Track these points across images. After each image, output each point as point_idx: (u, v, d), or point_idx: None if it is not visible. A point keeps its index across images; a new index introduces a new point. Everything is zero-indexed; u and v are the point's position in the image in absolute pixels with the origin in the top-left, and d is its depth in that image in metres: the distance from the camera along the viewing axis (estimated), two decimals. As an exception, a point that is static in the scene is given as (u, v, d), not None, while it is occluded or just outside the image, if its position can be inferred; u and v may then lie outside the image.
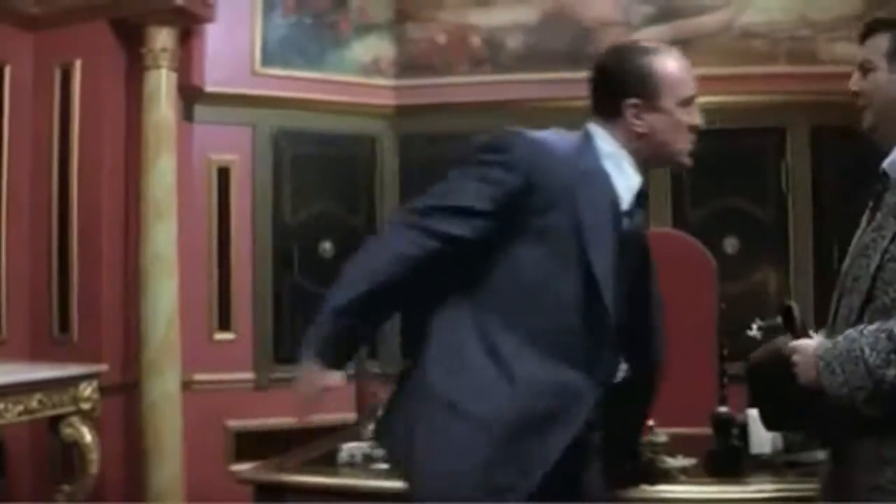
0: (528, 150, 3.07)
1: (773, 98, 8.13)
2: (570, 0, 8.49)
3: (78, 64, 7.23)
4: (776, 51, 8.25)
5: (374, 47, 8.58)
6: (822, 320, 7.37)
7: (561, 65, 8.37)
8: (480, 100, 8.35)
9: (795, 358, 2.96)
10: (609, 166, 3.17)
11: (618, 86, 3.24)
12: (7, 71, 7.14)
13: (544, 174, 3.03)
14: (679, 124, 3.26)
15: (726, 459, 4.62)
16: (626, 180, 3.20)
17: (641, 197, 3.25)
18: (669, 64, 3.27)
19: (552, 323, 3.07)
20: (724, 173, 8.15)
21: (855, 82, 3.16)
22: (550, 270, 3.06)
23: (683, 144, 3.29)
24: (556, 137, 3.16)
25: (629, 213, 3.21)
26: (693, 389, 5.73)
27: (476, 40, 8.60)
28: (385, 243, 3.12)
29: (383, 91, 8.42)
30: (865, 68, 3.09)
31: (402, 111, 8.40)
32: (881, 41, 3.05)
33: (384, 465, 4.73)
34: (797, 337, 3.00)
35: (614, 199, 3.16)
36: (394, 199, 8.41)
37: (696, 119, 3.30)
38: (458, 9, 8.65)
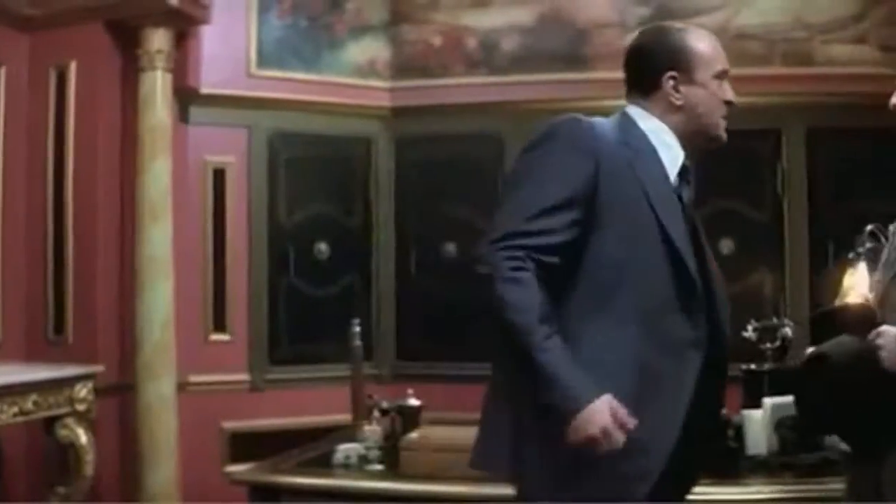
0: (588, 133, 3.09)
1: (769, 99, 8.08)
2: (565, 2, 8.51)
3: (73, 65, 7.23)
4: (772, 52, 8.26)
5: (370, 49, 8.58)
6: (817, 320, 7.41)
7: (556, 66, 8.41)
8: (476, 101, 8.37)
9: (879, 342, 2.96)
10: (655, 141, 3.20)
11: (656, 60, 3.28)
12: (2, 72, 7.13)
13: (607, 156, 3.05)
14: (714, 97, 3.29)
15: (722, 460, 4.63)
16: (670, 152, 3.22)
17: (685, 172, 3.26)
18: (703, 39, 3.33)
19: (644, 300, 3.01)
20: (719, 175, 8.02)
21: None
22: (631, 248, 3.03)
23: (718, 118, 3.31)
24: (601, 121, 3.19)
25: (678, 188, 3.22)
26: None
27: (471, 42, 8.61)
28: (502, 294, 2.90)
29: (379, 92, 8.42)
30: None
31: (398, 113, 8.39)
32: None
33: (379, 466, 4.74)
34: (871, 327, 2.99)
35: (665, 174, 3.18)
36: (389, 201, 8.42)
37: (730, 94, 3.33)
38: (454, 10, 8.66)
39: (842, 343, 3.11)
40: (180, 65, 7.44)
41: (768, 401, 4.73)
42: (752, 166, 8.27)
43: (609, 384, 2.86)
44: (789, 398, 4.87)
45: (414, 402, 5.73)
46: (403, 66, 8.59)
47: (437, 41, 8.65)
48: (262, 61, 8.02)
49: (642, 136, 3.19)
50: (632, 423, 2.83)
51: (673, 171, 3.20)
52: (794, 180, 8.18)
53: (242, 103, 7.83)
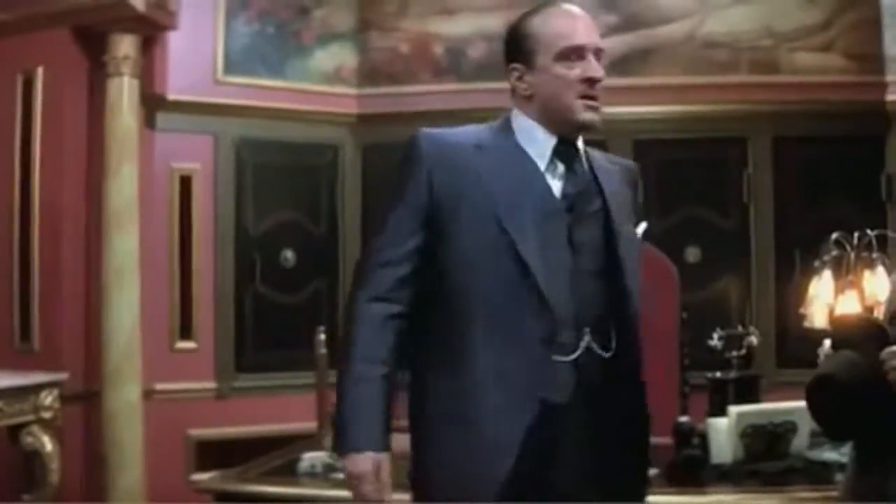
0: (424, 151, 3.10)
1: (736, 107, 8.20)
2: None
3: (40, 71, 7.23)
4: (738, 60, 8.30)
5: (337, 56, 8.57)
6: (786, 330, 7.43)
7: None
8: (443, 108, 8.30)
9: (895, 363, 2.91)
10: (522, 140, 3.12)
11: (505, 55, 3.30)
12: None
13: (446, 168, 3.05)
14: (559, 79, 3.09)
15: (687, 469, 4.64)
16: (537, 147, 3.11)
17: (567, 151, 3.12)
18: (548, 21, 3.16)
19: (492, 307, 2.99)
20: (686, 182, 8.24)
21: None
22: (479, 258, 3.01)
23: (572, 100, 3.08)
24: (461, 130, 3.23)
25: (565, 185, 3.11)
26: (654, 399, 5.75)
27: (439, 49, 8.62)
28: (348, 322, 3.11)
29: (346, 100, 8.40)
30: None
31: (365, 120, 8.38)
32: None
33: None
34: (881, 345, 2.97)
35: (531, 173, 3.09)
36: (356, 208, 8.40)
37: (584, 71, 3.08)
38: (421, 18, 8.65)
39: (847, 360, 3.05)
40: (147, 71, 7.44)
41: (734, 409, 4.74)
42: (718, 174, 8.32)
43: (451, 393, 3.01)
44: (754, 406, 4.90)
45: None
46: (370, 74, 8.60)
47: (404, 48, 8.65)
48: (229, 68, 7.99)
49: (506, 136, 3.17)
50: (385, 498, 2.98)
51: (542, 159, 3.11)
52: (760, 188, 8.22)
53: (209, 110, 7.80)
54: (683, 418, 4.96)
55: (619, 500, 3.07)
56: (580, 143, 3.17)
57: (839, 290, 5.25)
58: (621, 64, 8.31)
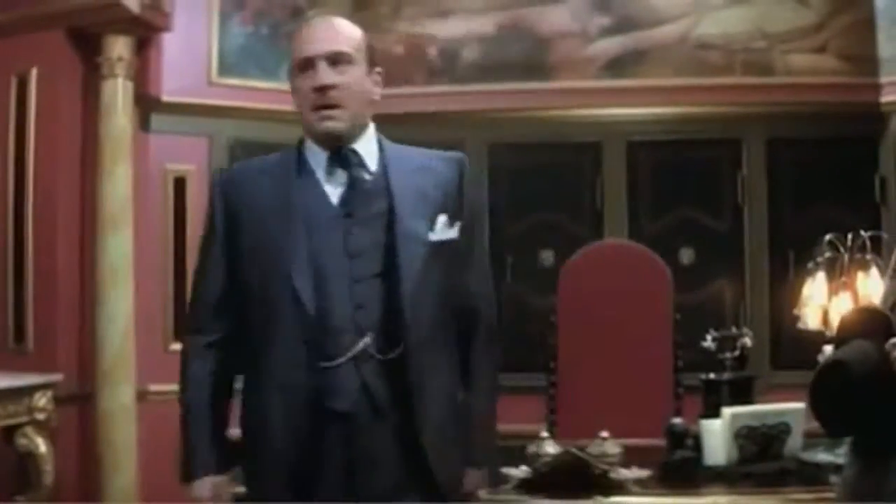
0: (220, 182, 3.36)
1: (729, 109, 8.23)
2: (526, 11, 8.56)
3: (34, 72, 7.22)
4: (732, 62, 8.33)
5: None
6: (780, 332, 7.45)
7: (517, 75, 8.47)
8: (437, 110, 8.40)
9: None
10: (308, 154, 3.24)
11: None
12: None
13: (234, 196, 3.26)
14: (299, 92, 3.20)
15: (680, 470, 4.66)
16: (315, 157, 3.22)
17: (344, 157, 3.18)
18: (294, 37, 3.33)
19: (269, 321, 3.12)
20: (679, 184, 8.26)
21: None
22: (258, 274, 3.17)
23: (309, 112, 3.19)
24: (261, 159, 3.45)
25: (347, 182, 3.18)
26: (647, 400, 5.82)
27: (433, 51, 8.66)
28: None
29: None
30: None
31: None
32: None
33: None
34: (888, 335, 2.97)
35: (307, 180, 3.21)
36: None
37: (312, 81, 3.15)
38: (415, 20, 8.69)
39: (859, 349, 3.06)
40: (141, 72, 7.43)
41: (727, 410, 4.74)
42: (712, 175, 8.35)
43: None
44: (748, 407, 4.92)
45: None
46: None
47: (398, 50, 8.67)
48: (224, 69, 8.00)
49: (293, 154, 3.28)
50: None
51: (321, 173, 3.21)
52: (754, 189, 8.26)
53: (204, 111, 7.80)
54: (677, 419, 4.99)
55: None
56: (365, 146, 3.23)
57: (833, 292, 5.26)
58: (615, 66, 8.40)
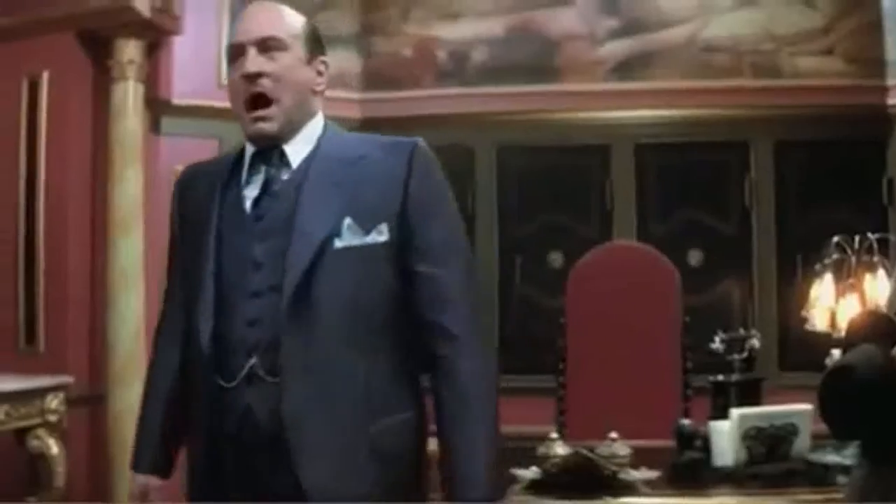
0: (178, 184, 3.17)
1: (737, 112, 8.26)
2: (535, 13, 8.62)
3: (45, 75, 7.25)
4: (740, 65, 8.37)
5: (341, 60, 8.56)
6: (787, 333, 7.46)
7: (526, 78, 8.52)
8: (446, 112, 8.46)
9: None
10: (245, 157, 2.97)
11: None
12: None
13: (184, 199, 3.12)
14: (233, 84, 2.90)
15: (689, 471, 4.67)
16: (245, 157, 2.96)
17: (267, 156, 2.91)
18: (234, 27, 2.99)
19: (188, 334, 2.97)
20: (687, 186, 8.31)
21: None
22: (183, 282, 3.06)
23: (240, 106, 2.88)
24: (219, 158, 3.33)
25: (263, 184, 2.90)
26: (656, 402, 5.84)
27: (442, 53, 8.71)
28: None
29: (349, 104, 8.43)
30: None
31: (368, 124, 8.32)
32: None
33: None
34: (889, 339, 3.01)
35: (230, 182, 2.95)
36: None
37: (244, 68, 2.85)
38: (424, 22, 8.75)
39: (866, 353, 3.08)
40: (152, 75, 7.47)
41: (735, 412, 4.76)
42: (720, 177, 8.38)
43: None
44: (756, 409, 4.94)
45: None
46: (374, 78, 8.69)
47: (407, 52, 8.75)
48: (234, 72, 8.05)
49: (229, 155, 3.05)
50: None
51: (244, 175, 2.94)
52: (762, 191, 8.28)
53: (214, 114, 7.78)
54: (685, 421, 4.99)
55: None
56: (300, 142, 2.94)
57: (840, 294, 5.28)
58: (623, 68, 8.45)
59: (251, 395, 2.80)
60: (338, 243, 2.78)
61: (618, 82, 8.47)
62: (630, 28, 8.47)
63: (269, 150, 2.89)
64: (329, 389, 2.76)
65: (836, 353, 4.05)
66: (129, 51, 7.24)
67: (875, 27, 8.16)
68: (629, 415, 5.42)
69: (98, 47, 7.32)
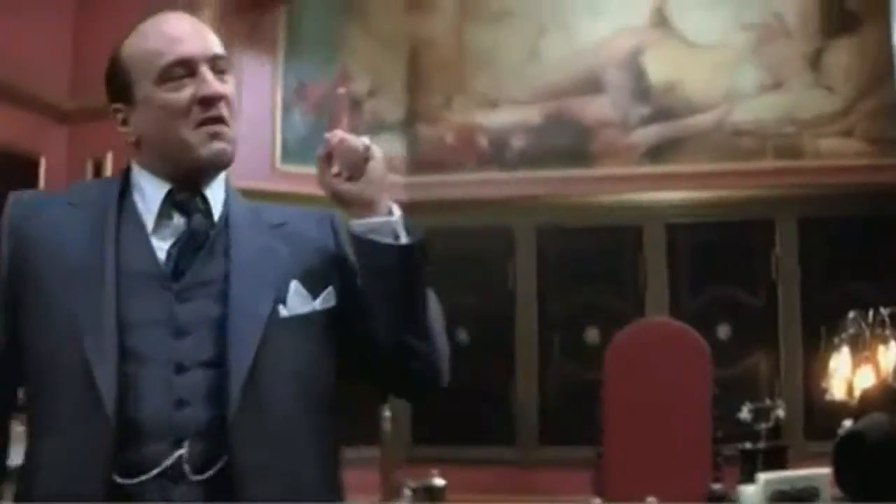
0: (13, 211, 2.33)
1: (763, 192, 8.51)
2: (570, 101, 8.91)
3: (109, 156, 7.49)
4: (764, 147, 8.64)
5: (387, 145, 8.66)
6: (812, 403, 7.57)
7: (563, 162, 8.81)
8: (488, 196, 8.73)
9: None
10: (137, 196, 2.31)
11: (108, 98, 2.38)
12: (42, 162, 7.49)
13: (28, 233, 2.29)
14: (164, 108, 2.26)
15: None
16: (147, 200, 2.29)
17: (186, 202, 2.31)
18: (141, 38, 2.34)
19: (50, 414, 2.24)
20: (716, 263, 8.57)
21: None
22: (43, 346, 2.22)
23: (187, 132, 2.26)
24: (79, 183, 2.54)
25: (181, 234, 2.28)
26: (689, 468, 6.11)
27: (482, 140, 9.01)
28: None
29: (396, 187, 8.59)
30: None
31: (414, 206, 8.09)
32: None
33: None
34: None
35: (131, 228, 2.29)
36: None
37: (196, 90, 2.27)
38: (466, 110, 9.06)
39: (875, 421, 3.41)
40: None
41: (762, 476, 5.05)
42: (747, 255, 8.65)
43: None
44: (780, 473, 5.26)
45: (439, 481, 6.13)
46: (419, 162, 8.99)
47: (450, 139, 9.07)
48: (287, 157, 8.46)
49: (115, 185, 2.35)
50: None
51: (150, 219, 2.28)
52: (787, 267, 8.51)
53: (268, 197, 7.90)
54: (716, 485, 5.28)
55: None
56: (216, 188, 2.36)
57: (856, 365, 5.59)
58: (654, 153, 8.74)
59: (175, 496, 2.16)
60: (283, 312, 2.27)
61: (649, 166, 8.73)
62: (660, 114, 8.75)
63: (189, 192, 2.31)
64: (287, 485, 2.21)
65: (847, 423, 4.32)
66: (188, 135, 7.52)
67: (892, 108, 8.37)
68: (664, 480, 5.74)
69: (158, 132, 7.61)
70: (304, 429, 2.25)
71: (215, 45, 2.32)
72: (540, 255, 8.84)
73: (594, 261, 8.74)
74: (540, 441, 8.67)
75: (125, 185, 2.33)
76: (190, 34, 2.30)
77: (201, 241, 2.29)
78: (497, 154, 9.01)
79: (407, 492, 6.00)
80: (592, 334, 8.56)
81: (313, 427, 2.27)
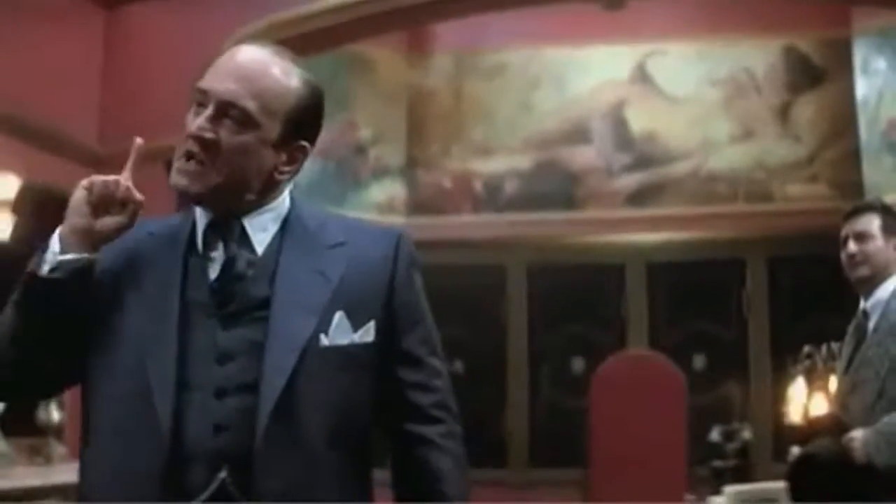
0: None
1: (734, 233, 8.98)
2: (559, 150, 9.34)
3: None
4: (736, 192, 9.10)
5: (389, 189, 9.41)
6: (779, 427, 7.93)
7: (552, 206, 9.25)
8: (482, 236, 9.13)
9: (854, 444, 3.71)
10: (198, 227, 2.24)
11: None
12: None
13: (117, 259, 2.24)
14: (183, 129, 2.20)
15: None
16: (199, 232, 2.23)
17: (223, 228, 2.22)
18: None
19: (106, 433, 2.20)
20: (692, 299, 9.06)
21: (854, 247, 4.02)
22: (105, 369, 2.18)
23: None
24: (163, 219, 2.38)
25: (223, 261, 2.20)
26: (667, 484, 6.51)
27: (478, 184, 9.44)
28: None
29: (397, 228, 8.99)
30: (863, 237, 3.99)
31: (414, 246, 8.69)
32: (874, 218, 3.99)
33: None
34: (843, 432, 3.85)
35: (186, 254, 2.23)
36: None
37: (191, 123, 2.16)
38: (462, 157, 9.48)
39: (824, 445, 3.91)
40: None
41: (729, 489, 5.55)
42: (720, 291, 9.14)
43: None
44: (744, 486, 5.77)
45: None
46: (418, 205, 9.40)
47: (447, 183, 9.49)
48: (295, 201, 8.90)
49: (186, 221, 2.27)
50: None
51: (200, 248, 2.20)
52: (757, 303, 9.02)
53: None
54: (690, 496, 5.81)
55: None
56: (260, 219, 2.26)
57: (811, 393, 6.13)
58: (635, 197, 9.19)
59: None
60: (324, 341, 2.16)
61: (631, 210, 9.16)
62: (641, 162, 9.20)
63: (226, 222, 2.22)
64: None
65: (794, 449, 4.70)
66: (211, 181, 7.86)
67: (853, 156, 8.84)
68: (645, 495, 6.22)
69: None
70: (330, 465, 2.15)
71: (239, 93, 2.15)
72: (530, 292, 9.29)
73: (580, 297, 9.18)
74: (530, 463, 9.10)
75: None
76: (227, 70, 2.19)
77: (241, 269, 2.20)
78: (491, 198, 9.41)
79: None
80: (578, 364, 8.95)
81: (341, 464, 2.17)
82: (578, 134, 9.38)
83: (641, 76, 9.33)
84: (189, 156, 2.14)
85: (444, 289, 8.74)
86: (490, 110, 9.54)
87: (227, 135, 2.13)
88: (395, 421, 2.24)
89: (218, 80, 2.16)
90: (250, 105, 2.15)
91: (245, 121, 2.14)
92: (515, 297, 9.33)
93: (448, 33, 9.47)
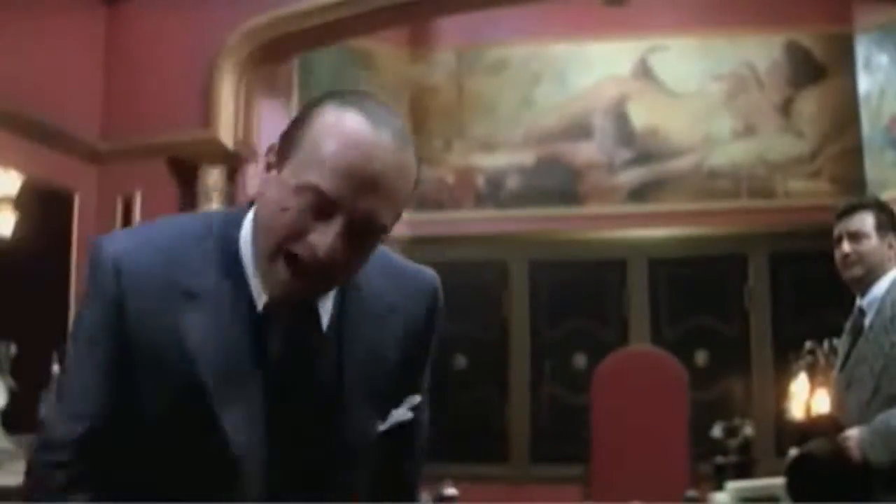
0: (111, 274, 1.97)
1: (737, 229, 8.99)
2: (560, 145, 9.36)
3: (138, 195, 7.78)
4: (738, 188, 9.11)
5: None
6: (781, 423, 7.93)
7: (553, 201, 9.28)
8: (484, 232, 9.17)
9: (849, 444, 3.74)
10: (249, 270, 2.00)
11: None
12: (76, 198, 7.73)
13: (135, 300, 1.98)
14: (276, 206, 1.90)
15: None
16: (245, 288, 2.01)
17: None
18: (330, 132, 1.88)
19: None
20: (694, 295, 9.06)
21: (848, 246, 4.06)
22: (171, 433, 1.97)
23: (271, 244, 1.92)
24: (168, 255, 2.00)
25: (286, 328, 2.00)
26: (669, 480, 6.50)
27: (480, 180, 9.48)
28: None
29: (400, 224, 8.83)
30: (857, 236, 4.02)
31: (416, 241, 8.75)
32: (867, 217, 4.02)
33: None
34: (839, 432, 3.86)
35: (249, 317, 1.99)
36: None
37: (322, 234, 1.88)
38: (464, 152, 9.50)
39: (821, 444, 3.92)
40: (231, 199, 7.91)
41: (731, 484, 5.59)
42: (722, 287, 9.12)
43: None
44: (746, 482, 5.79)
45: (452, 491, 6.56)
46: (421, 201, 9.30)
47: (450, 179, 9.51)
48: (299, 195, 8.86)
49: (229, 269, 2.01)
50: None
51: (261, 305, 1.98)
52: (759, 299, 9.02)
53: None
54: (692, 492, 5.85)
55: None
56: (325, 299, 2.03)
57: (812, 389, 6.12)
58: (637, 193, 9.22)
59: None
60: (381, 426, 2.08)
61: (633, 205, 9.18)
62: (643, 158, 9.22)
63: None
64: None
65: (792, 451, 4.69)
66: (214, 176, 7.81)
67: (855, 152, 8.84)
68: (647, 491, 6.21)
69: (186, 172, 7.83)
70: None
71: (380, 210, 1.88)
72: (532, 288, 9.31)
73: (582, 293, 9.19)
74: (532, 459, 9.09)
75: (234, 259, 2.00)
76: (363, 179, 1.85)
77: (308, 344, 2.01)
78: (493, 193, 9.44)
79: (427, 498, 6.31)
80: (580, 360, 8.96)
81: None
82: (580, 129, 9.40)
83: (643, 71, 9.34)
84: (305, 269, 1.87)
85: (446, 284, 8.58)
86: (492, 105, 9.55)
87: (358, 249, 1.90)
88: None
89: (351, 191, 1.84)
90: (389, 219, 1.92)
91: (380, 233, 1.91)
92: (517, 293, 9.34)
93: (450, 29, 9.49)
